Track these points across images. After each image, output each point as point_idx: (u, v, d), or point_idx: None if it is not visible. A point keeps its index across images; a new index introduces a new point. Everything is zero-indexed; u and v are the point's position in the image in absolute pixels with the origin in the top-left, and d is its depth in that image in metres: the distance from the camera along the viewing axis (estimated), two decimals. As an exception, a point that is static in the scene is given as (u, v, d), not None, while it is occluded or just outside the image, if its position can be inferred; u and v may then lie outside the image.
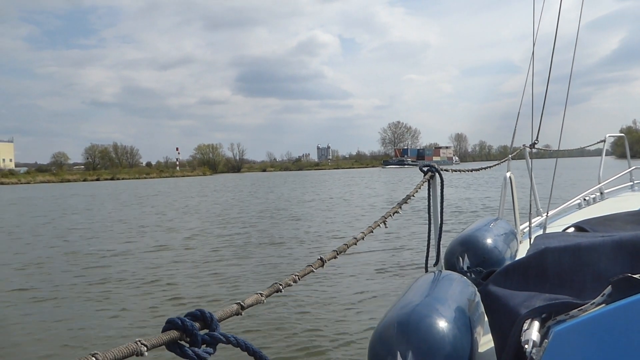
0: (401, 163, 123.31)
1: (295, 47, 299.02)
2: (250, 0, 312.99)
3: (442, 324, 1.57)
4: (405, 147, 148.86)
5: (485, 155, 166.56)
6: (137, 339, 0.68)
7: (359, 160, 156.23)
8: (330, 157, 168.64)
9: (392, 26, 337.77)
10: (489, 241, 2.80)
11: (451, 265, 2.72)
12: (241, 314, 0.90)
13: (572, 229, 2.23)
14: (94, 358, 0.62)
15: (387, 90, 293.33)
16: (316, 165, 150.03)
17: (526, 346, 1.27)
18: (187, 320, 0.78)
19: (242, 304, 0.90)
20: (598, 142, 6.73)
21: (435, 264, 2.63)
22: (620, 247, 1.48)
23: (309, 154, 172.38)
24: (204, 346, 0.79)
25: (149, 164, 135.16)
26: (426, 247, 2.58)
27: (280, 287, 1.01)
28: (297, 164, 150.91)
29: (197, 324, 0.79)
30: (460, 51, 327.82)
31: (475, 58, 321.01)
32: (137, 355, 0.67)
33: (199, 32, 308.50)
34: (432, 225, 2.60)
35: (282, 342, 5.90)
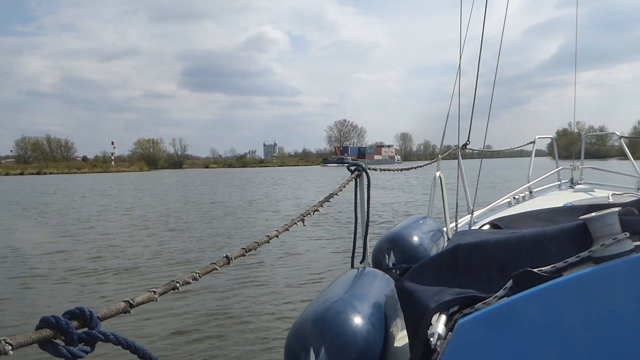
0: (341, 161, 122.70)
1: (245, 42, 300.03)
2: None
3: (357, 320, 1.63)
4: (346, 145, 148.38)
5: (429, 154, 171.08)
6: (1, 337, 0.67)
7: (305, 158, 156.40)
8: (276, 155, 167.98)
9: (342, 25, 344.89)
10: (415, 239, 2.90)
11: (378, 262, 2.80)
12: (129, 312, 0.90)
13: (487, 226, 2.36)
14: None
15: (337, 89, 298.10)
16: (260, 163, 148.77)
17: (431, 339, 1.33)
18: (62, 318, 0.77)
19: (130, 301, 0.90)
20: (528, 144, 7.13)
21: (362, 261, 2.71)
22: (523, 243, 1.58)
23: (255, 151, 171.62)
24: (81, 344, 0.79)
25: (85, 158, 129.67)
26: (352, 245, 2.66)
27: (177, 284, 1.01)
28: (241, 161, 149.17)
29: (74, 322, 0.79)
30: (408, 51, 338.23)
31: (422, 59, 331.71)
32: (0, 354, 0.66)
33: (145, 23, 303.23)
34: (358, 223, 2.68)
35: (199, 339, 5.95)
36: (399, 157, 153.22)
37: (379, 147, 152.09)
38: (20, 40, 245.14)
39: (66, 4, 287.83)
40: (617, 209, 1.33)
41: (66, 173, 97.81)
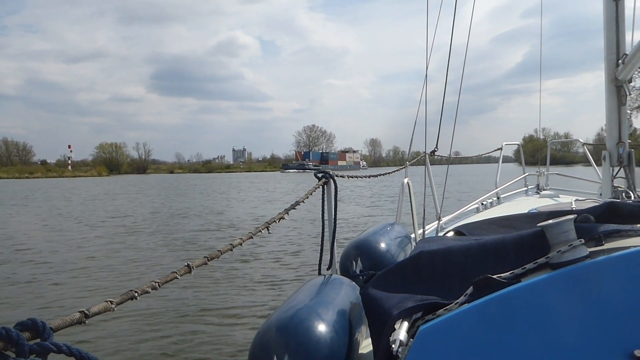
0: (302, 167, 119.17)
1: (215, 46, 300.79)
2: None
3: (321, 328, 1.65)
4: (307, 151, 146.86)
5: (399, 160, 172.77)
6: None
7: (273, 164, 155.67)
8: (244, 160, 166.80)
9: (312, 30, 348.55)
10: (382, 245, 2.94)
11: (345, 269, 2.83)
12: (85, 323, 0.89)
13: (451, 233, 2.42)
14: None
15: (307, 94, 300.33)
16: (227, 168, 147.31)
17: (393, 345, 1.36)
18: (13, 329, 0.76)
19: (86, 312, 0.89)
20: (496, 150, 7.34)
21: (329, 268, 2.74)
22: (484, 250, 1.63)
23: (224, 156, 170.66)
24: (33, 356, 0.79)
25: (44, 162, 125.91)
26: (319, 252, 2.69)
27: (136, 294, 1.01)
28: (207, 166, 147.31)
29: (26, 334, 0.78)
30: (379, 58, 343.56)
31: (392, 65, 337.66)
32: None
33: (113, 25, 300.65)
34: (325, 231, 2.71)
35: (159, 350, 5.86)
36: (364, 163, 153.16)
37: (343, 152, 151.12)
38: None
39: (30, 3, 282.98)
40: (573, 216, 1.39)
41: (16, 178, 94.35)
